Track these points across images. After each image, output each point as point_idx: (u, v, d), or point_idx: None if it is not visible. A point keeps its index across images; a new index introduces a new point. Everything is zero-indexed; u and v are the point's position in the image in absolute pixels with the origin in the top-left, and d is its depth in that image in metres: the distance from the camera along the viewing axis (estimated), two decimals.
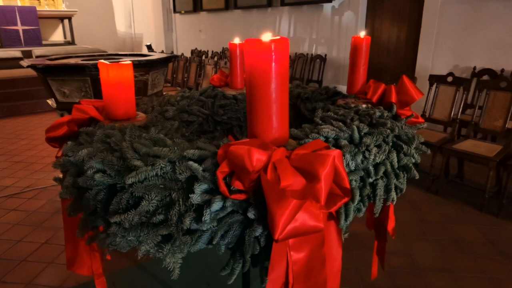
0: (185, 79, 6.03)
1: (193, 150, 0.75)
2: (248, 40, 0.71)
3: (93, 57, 3.20)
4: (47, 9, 8.18)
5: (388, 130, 0.90)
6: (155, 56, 3.08)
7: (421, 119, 1.20)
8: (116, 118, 1.11)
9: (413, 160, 0.97)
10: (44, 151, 4.11)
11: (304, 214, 0.62)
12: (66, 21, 8.50)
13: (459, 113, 3.14)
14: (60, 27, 8.59)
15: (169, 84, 6.29)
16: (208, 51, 7.37)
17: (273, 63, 0.70)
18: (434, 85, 3.29)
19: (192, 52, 7.64)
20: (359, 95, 1.30)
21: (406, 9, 4.81)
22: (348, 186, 0.66)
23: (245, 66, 0.74)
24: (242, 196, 0.66)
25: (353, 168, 0.79)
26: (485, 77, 3.74)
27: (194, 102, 1.51)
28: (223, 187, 0.65)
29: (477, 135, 3.40)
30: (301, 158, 0.65)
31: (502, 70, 3.68)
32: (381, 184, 0.85)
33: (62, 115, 2.63)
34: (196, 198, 0.67)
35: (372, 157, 0.82)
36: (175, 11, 9.33)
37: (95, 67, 2.40)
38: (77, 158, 0.86)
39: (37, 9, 7.71)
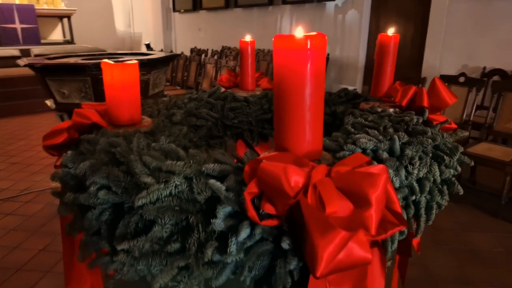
0: (185, 78, 5.93)
1: (212, 165, 0.65)
2: (278, 37, 0.61)
3: (93, 56, 3.09)
4: (46, 7, 8.05)
5: (430, 140, 0.79)
6: (157, 55, 2.97)
7: (453, 125, 1.10)
8: (120, 124, 1.01)
9: (453, 173, 0.87)
10: (43, 152, 3.95)
11: (352, 244, 0.51)
12: (65, 20, 8.37)
13: (472, 115, 3.04)
14: (59, 26, 8.45)
15: (168, 83, 6.17)
16: (207, 49, 7.26)
17: (309, 64, 0.60)
18: None
19: (192, 50, 7.53)
20: (384, 98, 1.19)
21: (412, 8, 4.71)
22: (400, 210, 0.56)
23: (273, 67, 0.63)
24: (274, 222, 0.55)
25: (397, 185, 0.69)
26: (496, 78, 3.64)
27: (203, 105, 1.40)
28: (252, 212, 0.54)
29: (488, 137, 3.30)
30: (346, 177, 0.54)
31: None
32: (424, 202, 0.74)
33: (61, 117, 2.53)
34: (219, 223, 0.56)
35: (415, 171, 0.71)
36: (174, 10, 9.23)
37: (96, 66, 2.30)
38: (78, 171, 0.76)
39: (36, 7, 7.58)
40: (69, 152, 0.86)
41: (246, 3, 7.03)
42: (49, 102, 2.62)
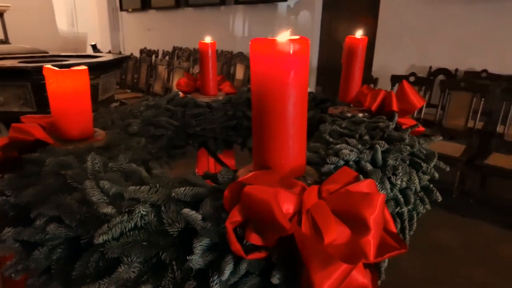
0: (135, 81, 5.69)
1: (183, 188, 0.56)
2: (256, 41, 0.54)
3: (33, 58, 2.83)
4: None
5: (408, 147, 0.77)
6: (106, 57, 2.79)
7: (421, 128, 1.09)
8: (69, 139, 0.89)
9: (428, 178, 0.85)
10: None
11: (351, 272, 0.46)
12: None
13: (422, 113, 3.17)
14: None
15: (117, 86, 5.87)
16: (158, 50, 7.03)
17: (292, 72, 0.53)
18: (396, 85, 3.30)
19: (142, 51, 7.24)
20: (352, 102, 1.17)
21: (363, 9, 4.84)
22: (395, 230, 0.52)
23: (251, 74, 0.57)
24: (261, 255, 0.49)
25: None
26: (441, 77, 3.83)
27: (161, 112, 1.30)
28: (236, 245, 0.47)
29: (435, 133, 3.46)
30: (339, 199, 0.49)
31: (456, 70, 3.79)
32: (407, 213, 0.71)
33: None
34: (196, 260, 0.48)
35: (399, 182, 0.68)
36: (121, 9, 8.84)
37: (37, 70, 2.08)
38: (20, 200, 0.64)
39: None
40: (7, 176, 0.73)
41: (197, 3, 6.88)
42: None
